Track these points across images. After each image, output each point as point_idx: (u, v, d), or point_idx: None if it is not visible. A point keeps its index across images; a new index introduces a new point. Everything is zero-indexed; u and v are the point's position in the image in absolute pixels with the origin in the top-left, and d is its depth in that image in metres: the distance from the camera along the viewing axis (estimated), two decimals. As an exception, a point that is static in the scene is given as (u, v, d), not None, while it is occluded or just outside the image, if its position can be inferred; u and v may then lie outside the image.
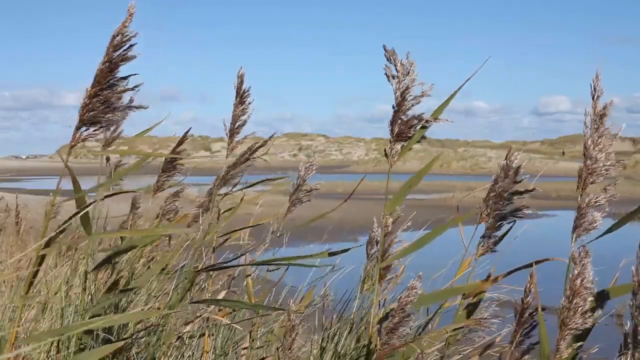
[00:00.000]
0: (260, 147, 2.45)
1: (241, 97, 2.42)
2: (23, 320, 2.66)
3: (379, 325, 1.87)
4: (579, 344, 1.67)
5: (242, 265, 2.39)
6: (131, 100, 1.80)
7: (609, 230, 1.75)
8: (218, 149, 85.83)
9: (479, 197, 2.19)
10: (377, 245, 2.52)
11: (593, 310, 1.62)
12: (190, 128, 2.66)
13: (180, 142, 2.71)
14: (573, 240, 1.74)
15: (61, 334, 1.97)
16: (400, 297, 1.78)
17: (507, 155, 2.10)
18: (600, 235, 1.74)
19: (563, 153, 71.18)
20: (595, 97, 1.71)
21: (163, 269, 2.42)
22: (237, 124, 2.46)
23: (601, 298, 1.68)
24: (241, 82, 2.41)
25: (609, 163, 1.71)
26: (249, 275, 2.60)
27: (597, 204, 1.74)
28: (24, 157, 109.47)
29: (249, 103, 2.43)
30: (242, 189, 2.60)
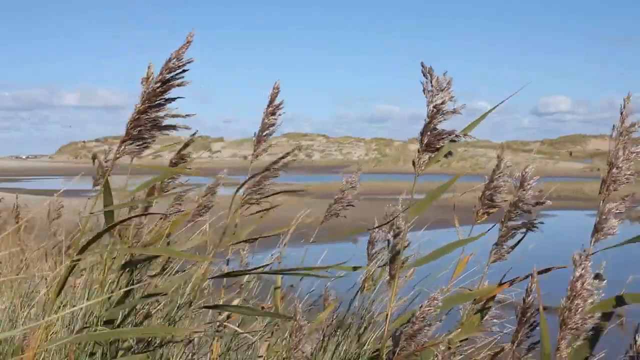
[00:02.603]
0: (283, 157, 2.51)
1: (274, 108, 2.48)
2: (23, 319, 2.66)
3: (395, 331, 1.89)
4: (577, 343, 1.69)
5: (252, 272, 2.39)
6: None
7: (633, 240, 1.80)
8: (218, 149, 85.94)
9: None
10: (377, 246, 2.52)
11: (606, 316, 1.68)
12: (196, 131, 2.65)
13: (186, 145, 2.72)
14: (592, 244, 1.83)
15: (89, 340, 1.97)
16: (422, 307, 1.82)
17: (498, 157, 2.14)
18: (624, 243, 1.81)
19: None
20: (624, 113, 1.86)
21: (164, 269, 2.42)
22: (265, 132, 2.51)
23: (617, 303, 1.71)
24: (276, 94, 2.47)
25: (629, 172, 1.84)
26: (278, 287, 2.65)
27: (618, 211, 1.84)
28: (24, 157, 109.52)
29: (280, 115, 2.49)
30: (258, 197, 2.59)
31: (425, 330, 1.80)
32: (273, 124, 2.51)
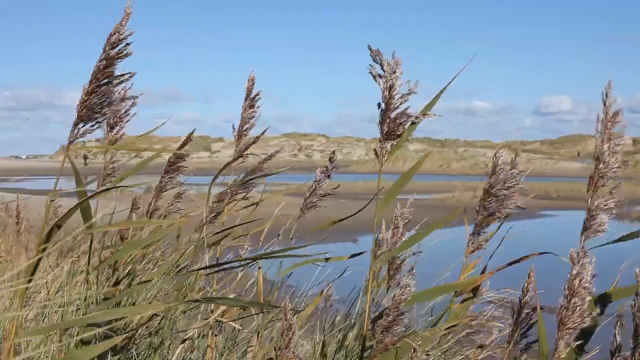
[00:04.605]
0: (253, 143, 2.48)
1: (251, 100, 2.45)
2: (22, 319, 2.65)
3: (372, 324, 1.88)
4: (576, 342, 1.67)
5: (237, 260, 2.39)
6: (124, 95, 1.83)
7: (622, 239, 1.77)
8: (218, 148, 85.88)
9: (480, 197, 2.19)
10: (384, 247, 2.52)
11: (599, 312, 1.63)
12: (194, 130, 2.65)
13: (185, 144, 2.71)
14: (582, 242, 1.76)
15: (62, 328, 1.97)
16: (394, 295, 1.78)
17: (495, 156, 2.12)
18: (613, 242, 1.76)
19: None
20: (607, 104, 1.76)
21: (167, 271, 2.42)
22: (245, 126, 2.49)
23: (603, 300, 1.69)
24: (252, 86, 2.44)
25: (616, 165, 1.78)
26: (260, 267, 2.63)
27: (607, 207, 1.78)
28: (24, 157, 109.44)
29: (258, 107, 2.46)
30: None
31: (399, 321, 1.78)
32: (252, 117, 2.47)
